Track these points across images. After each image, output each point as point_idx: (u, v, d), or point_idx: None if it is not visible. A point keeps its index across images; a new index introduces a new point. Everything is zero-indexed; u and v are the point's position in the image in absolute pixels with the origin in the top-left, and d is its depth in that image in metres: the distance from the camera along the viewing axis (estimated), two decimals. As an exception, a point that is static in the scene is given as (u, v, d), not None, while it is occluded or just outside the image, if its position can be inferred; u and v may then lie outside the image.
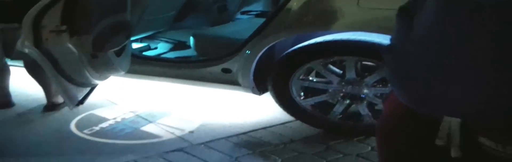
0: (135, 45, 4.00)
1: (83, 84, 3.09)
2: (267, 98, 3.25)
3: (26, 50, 2.77)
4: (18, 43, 2.78)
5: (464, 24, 0.98)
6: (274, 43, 3.04)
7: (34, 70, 3.34)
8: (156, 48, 4.19)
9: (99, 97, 3.69)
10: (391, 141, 1.27)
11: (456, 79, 0.99)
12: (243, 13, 4.69)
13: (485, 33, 0.95)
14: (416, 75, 1.07)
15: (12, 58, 3.56)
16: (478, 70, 0.96)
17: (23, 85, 3.96)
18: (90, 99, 3.31)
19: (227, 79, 3.28)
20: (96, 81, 3.18)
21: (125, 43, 3.23)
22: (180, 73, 3.46)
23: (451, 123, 1.08)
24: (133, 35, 3.60)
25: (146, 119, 3.40)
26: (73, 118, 3.41)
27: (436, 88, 1.04)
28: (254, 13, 4.56)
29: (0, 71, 3.53)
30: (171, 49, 4.18)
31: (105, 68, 3.10)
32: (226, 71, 3.25)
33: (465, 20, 0.97)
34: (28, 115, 3.53)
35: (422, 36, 1.05)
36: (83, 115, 3.47)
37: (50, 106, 3.60)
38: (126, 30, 3.20)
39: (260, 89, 3.27)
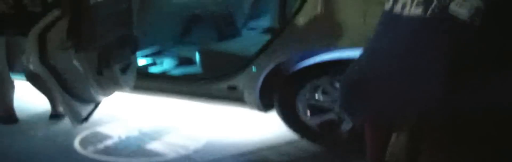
0: (140, 61, 3.99)
1: (87, 101, 3.07)
2: (273, 116, 3.22)
3: (31, 66, 2.76)
4: (23, 59, 2.77)
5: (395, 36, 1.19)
6: (280, 60, 3.02)
7: (36, 80, 3.33)
8: (161, 64, 4.17)
9: (104, 113, 3.65)
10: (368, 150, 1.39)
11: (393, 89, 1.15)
12: (249, 29, 4.68)
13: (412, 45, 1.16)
14: (365, 84, 1.22)
15: (14, 71, 3.54)
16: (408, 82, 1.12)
17: (27, 100, 3.95)
18: (95, 115, 3.28)
19: (233, 96, 3.25)
20: (101, 98, 3.15)
21: (130, 59, 3.21)
22: (185, 89, 3.44)
23: (396, 142, 1.15)
24: (139, 50, 3.59)
25: (150, 137, 3.36)
26: (77, 134, 3.38)
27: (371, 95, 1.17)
28: (261, 29, 4.55)
29: (4, 84, 3.51)
30: (177, 65, 4.16)
31: (110, 84, 3.08)
32: (232, 88, 3.23)
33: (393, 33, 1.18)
34: (31, 131, 3.49)
35: (370, 47, 1.26)
36: (87, 131, 3.43)
37: (55, 115, 3.64)
38: (132, 45, 3.19)
39: (266, 106, 3.24)
